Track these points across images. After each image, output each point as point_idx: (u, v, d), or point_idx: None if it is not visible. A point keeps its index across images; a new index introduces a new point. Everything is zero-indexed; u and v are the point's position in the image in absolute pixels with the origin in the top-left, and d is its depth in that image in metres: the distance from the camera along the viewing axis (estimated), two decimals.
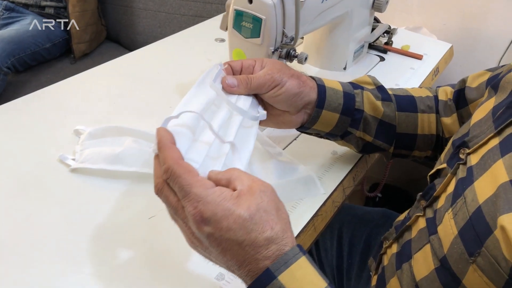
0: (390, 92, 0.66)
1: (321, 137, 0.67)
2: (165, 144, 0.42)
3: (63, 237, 0.56)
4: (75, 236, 0.56)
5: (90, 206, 0.60)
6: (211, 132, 0.49)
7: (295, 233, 0.60)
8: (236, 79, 0.55)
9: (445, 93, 0.68)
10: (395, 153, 0.68)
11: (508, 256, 0.36)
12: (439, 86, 0.70)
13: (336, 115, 0.61)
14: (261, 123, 0.61)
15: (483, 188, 0.41)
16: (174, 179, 0.40)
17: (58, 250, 0.54)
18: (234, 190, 0.40)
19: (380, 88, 0.65)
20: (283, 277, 0.37)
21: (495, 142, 0.43)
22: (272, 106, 0.59)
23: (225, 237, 0.38)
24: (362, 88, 0.63)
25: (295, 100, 0.57)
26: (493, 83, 0.52)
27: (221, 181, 0.41)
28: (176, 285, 0.52)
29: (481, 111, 0.51)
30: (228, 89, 0.54)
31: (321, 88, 0.60)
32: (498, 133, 0.44)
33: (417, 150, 0.67)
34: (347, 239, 0.80)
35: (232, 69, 0.57)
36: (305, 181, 0.67)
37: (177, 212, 0.41)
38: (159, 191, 0.42)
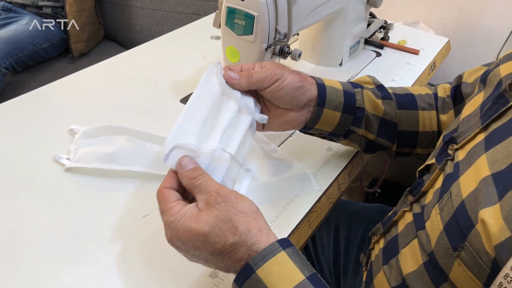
0: (390, 91, 0.66)
1: (324, 137, 0.67)
2: (169, 172, 0.47)
3: (57, 236, 0.56)
4: (69, 235, 0.56)
5: (84, 205, 0.61)
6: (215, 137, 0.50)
7: (290, 229, 0.60)
8: (237, 73, 0.54)
9: (444, 90, 0.68)
10: (398, 151, 0.68)
11: (489, 249, 0.36)
12: (437, 84, 0.71)
13: (337, 113, 0.60)
14: (265, 127, 0.61)
15: (467, 183, 0.41)
16: (159, 205, 0.45)
17: (52, 250, 0.54)
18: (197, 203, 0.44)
19: (380, 87, 0.65)
20: (260, 271, 0.40)
21: (481, 137, 0.43)
22: (275, 106, 0.58)
23: (198, 252, 0.42)
24: (362, 87, 0.63)
25: (298, 95, 0.57)
26: (482, 77, 0.52)
27: (187, 187, 0.45)
28: (171, 283, 0.52)
29: (470, 106, 0.51)
30: (229, 82, 0.54)
31: (321, 87, 0.59)
32: (484, 128, 0.44)
33: (419, 147, 0.67)
34: (343, 235, 0.80)
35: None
36: (300, 178, 0.67)
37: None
38: None
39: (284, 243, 0.42)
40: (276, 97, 0.56)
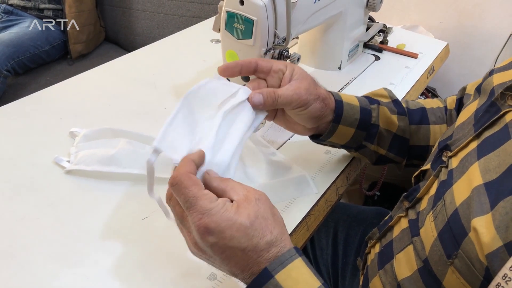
0: (404, 105, 0.67)
1: (335, 147, 0.68)
2: (185, 159, 0.44)
3: (56, 238, 0.57)
4: (69, 237, 0.57)
5: (84, 208, 0.61)
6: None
7: (288, 232, 0.60)
8: (263, 94, 0.53)
9: (452, 102, 0.69)
10: (407, 164, 0.68)
11: (481, 257, 0.36)
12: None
13: (352, 129, 0.62)
14: (275, 121, 0.62)
15: (460, 191, 0.41)
16: (180, 190, 0.41)
17: (51, 251, 0.55)
18: (231, 200, 0.42)
19: (396, 102, 0.66)
20: (279, 276, 0.40)
21: (473, 145, 0.44)
22: (290, 116, 0.59)
23: (229, 245, 0.40)
24: (378, 103, 0.64)
25: (315, 120, 0.58)
26: (478, 85, 0.53)
27: (216, 190, 0.44)
28: (169, 285, 0.52)
29: (465, 114, 0.51)
30: (254, 106, 0.53)
31: (339, 104, 0.60)
32: (477, 136, 0.44)
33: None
34: (342, 238, 0.80)
35: (261, 68, 0.55)
36: (298, 181, 0.67)
37: (182, 222, 0.43)
38: (168, 200, 0.45)
39: (298, 251, 0.43)
40: (294, 116, 0.58)
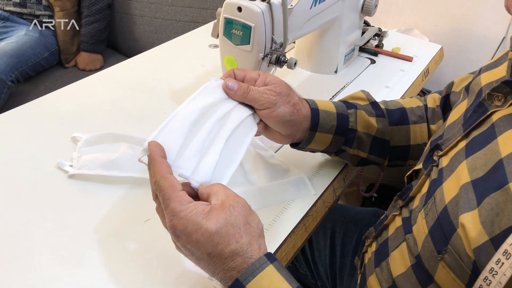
0: (382, 107, 0.67)
1: (314, 152, 0.69)
2: (155, 159, 0.45)
3: (60, 242, 0.58)
4: (72, 240, 0.58)
5: (87, 211, 0.62)
6: (204, 132, 0.51)
7: (287, 233, 0.62)
8: (238, 84, 0.56)
9: (433, 100, 0.70)
10: (390, 164, 0.69)
11: (469, 252, 0.38)
12: (428, 94, 0.72)
13: (329, 135, 0.62)
14: (261, 133, 0.63)
15: (449, 189, 0.43)
16: (159, 192, 0.44)
17: (55, 255, 0.56)
18: (210, 203, 0.44)
19: (374, 104, 0.67)
20: (250, 286, 0.41)
21: (462, 144, 0.45)
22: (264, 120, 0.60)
23: (195, 247, 0.42)
24: (356, 107, 0.64)
25: (286, 125, 0.59)
26: (466, 85, 0.54)
27: (203, 195, 0.45)
28: (171, 285, 0.54)
29: (455, 113, 0.53)
30: (226, 91, 0.56)
31: (315, 112, 0.61)
32: (466, 135, 0.46)
33: (411, 159, 0.69)
34: (339, 238, 0.82)
35: (236, 76, 0.58)
36: (296, 183, 0.69)
37: (163, 221, 0.45)
38: (154, 198, 0.46)
39: (270, 257, 0.43)
40: (265, 120, 0.59)
